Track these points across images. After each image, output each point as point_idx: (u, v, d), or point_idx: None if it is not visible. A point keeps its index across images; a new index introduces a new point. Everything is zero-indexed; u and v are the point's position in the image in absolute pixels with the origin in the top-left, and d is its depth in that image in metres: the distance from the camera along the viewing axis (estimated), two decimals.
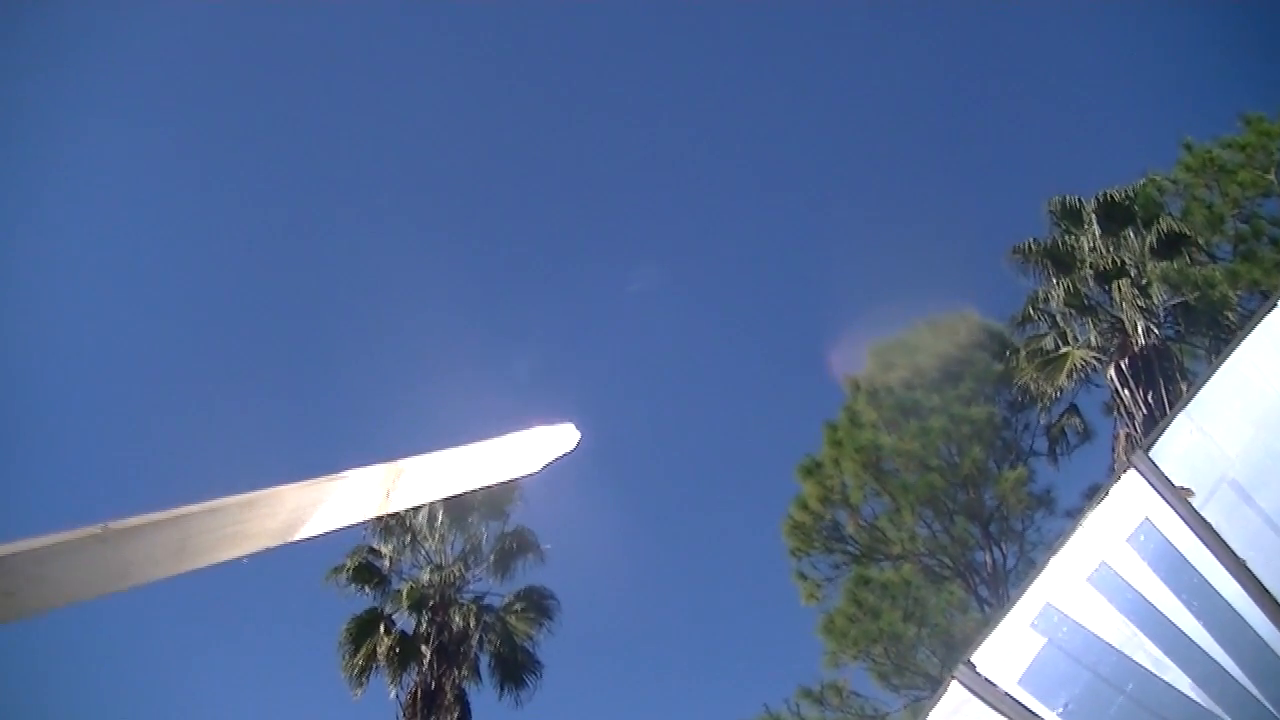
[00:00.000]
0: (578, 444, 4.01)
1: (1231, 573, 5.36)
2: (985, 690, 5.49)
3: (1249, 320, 5.76)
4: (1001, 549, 27.68)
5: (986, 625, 5.93)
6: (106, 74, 43.47)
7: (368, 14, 50.10)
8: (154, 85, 48.35)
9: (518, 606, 30.77)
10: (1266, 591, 5.34)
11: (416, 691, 29.35)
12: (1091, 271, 28.88)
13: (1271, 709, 5.29)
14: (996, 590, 26.71)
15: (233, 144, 52.04)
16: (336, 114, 53.15)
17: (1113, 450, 27.79)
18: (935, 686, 22.58)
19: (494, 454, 3.74)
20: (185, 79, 50.30)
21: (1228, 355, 5.66)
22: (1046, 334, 29.29)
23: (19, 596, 2.44)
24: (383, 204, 52.52)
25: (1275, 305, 5.62)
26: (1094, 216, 29.43)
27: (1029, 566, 26.26)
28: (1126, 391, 27.25)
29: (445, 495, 3.79)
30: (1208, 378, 5.68)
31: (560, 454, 3.97)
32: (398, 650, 29.59)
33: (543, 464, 3.95)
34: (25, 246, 44.64)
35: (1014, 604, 5.67)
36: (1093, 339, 28.53)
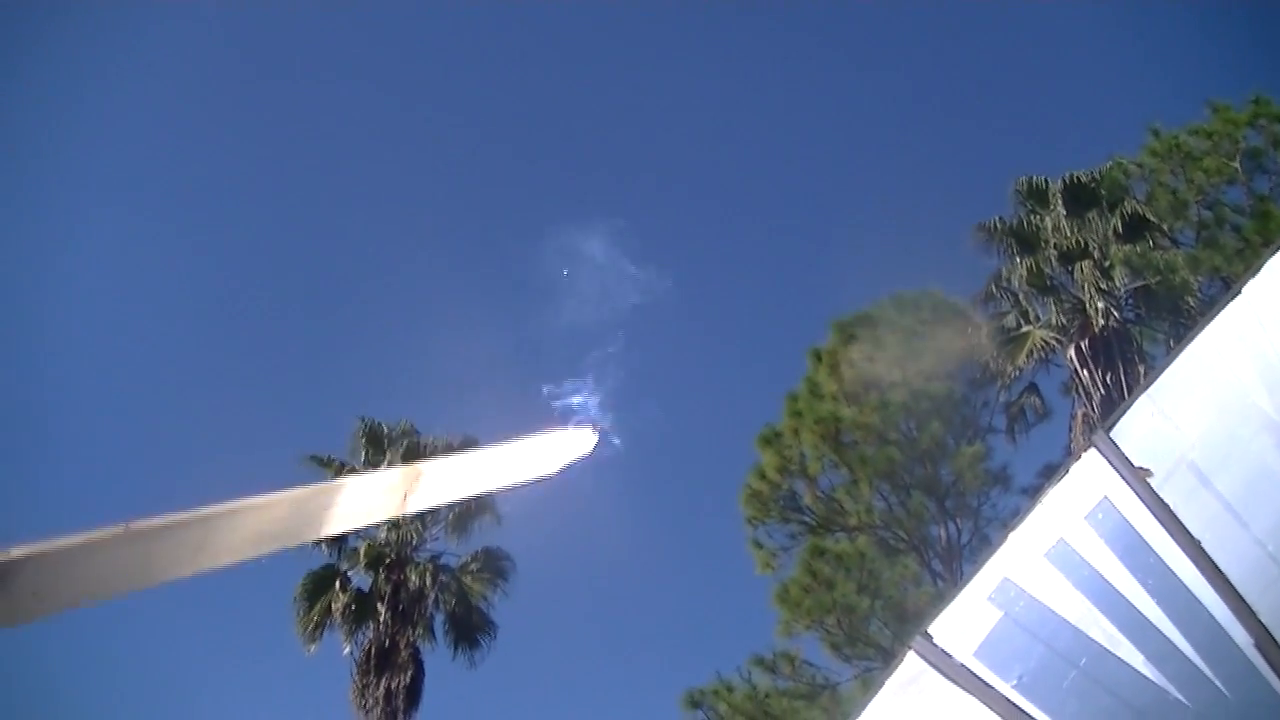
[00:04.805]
0: (596, 447, 4.01)
1: (1187, 553, 5.44)
2: (941, 661, 5.56)
3: (1213, 307, 5.83)
4: (956, 524, 27.84)
5: (943, 598, 6.00)
6: (102, 66, 43.19)
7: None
8: (152, 81, 48.10)
9: (474, 567, 30.80)
10: (1221, 573, 5.43)
11: (371, 649, 29.39)
12: (1055, 252, 29.02)
13: (1222, 688, 5.39)
14: (950, 565, 26.90)
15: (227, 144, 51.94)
16: (335, 105, 52.97)
17: (1070, 430, 28.02)
18: (887, 658, 22.76)
19: (512, 457, 3.75)
20: (180, 75, 50.07)
21: (1191, 340, 5.73)
22: (1008, 313, 29.41)
23: (45, 595, 2.48)
24: (394, 204, 52.39)
25: (1239, 293, 5.69)
26: (1059, 198, 29.53)
27: (983, 542, 26.50)
28: (1085, 372, 27.46)
29: (463, 497, 3.81)
30: (1170, 361, 5.75)
31: (578, 457, 3.97)
32: (353, 608, 29.59)
33: (560, 467, 3.94)
34: (49, 248, 44.53)
35: (972, 577, 5.74)
36: (1054, 319, 28.66)
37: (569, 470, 3.96)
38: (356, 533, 30.74)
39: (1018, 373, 28.95)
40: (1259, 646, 5.39)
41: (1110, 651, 5.46)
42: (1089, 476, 5.62)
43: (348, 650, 29.70)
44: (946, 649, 5.56)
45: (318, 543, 29.74)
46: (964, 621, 5.61)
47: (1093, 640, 5.49)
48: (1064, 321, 28.54)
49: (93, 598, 2.65)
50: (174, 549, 2.74)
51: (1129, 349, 27.52)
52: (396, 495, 3.37)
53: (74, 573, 2.52)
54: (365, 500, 3.34)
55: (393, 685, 28.90)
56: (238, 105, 52.57)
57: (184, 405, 51.05)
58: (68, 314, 48.68)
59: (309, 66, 52.93)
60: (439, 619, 30.44)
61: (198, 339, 52.40)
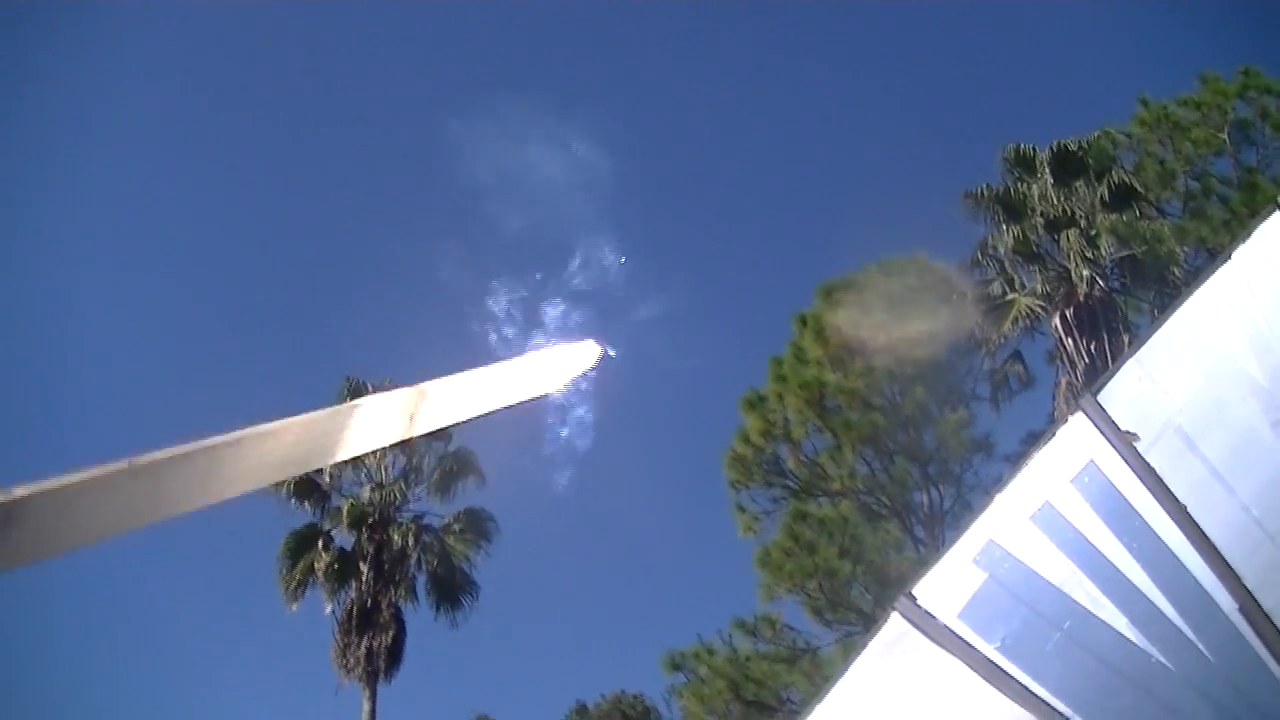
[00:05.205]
0: (600, 360, 3.96)
1: (1172, 517, 5.44)
2: (925, 622, 5.55)
3: (1202, 273, 5.82)
4: (939, 490, 27.88)
5: (927, 560, 6.00)
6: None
7: None
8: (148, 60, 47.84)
9: (456, 527, 30.84)
10: (1206, 538, 5.43)
11: (353, 609, 29.46)
12: (1041, 220, 29.07)
13: (1206, 652, 5.40)
14: (932, 531, 26.97)
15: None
16: (319, 81, 52.72)
17: (1054, 398, 28.14)
18: (868, 623, 22.81)
19: (516, 373, 3.69)
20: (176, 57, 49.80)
21: (1179, 305, 5.71)
22: (994, 280, 29.49)
23: (48, 535, 2.44)
24: (374, 166, 52.12)
25: (1228, 259, 5.67)
26: (1047, 166, 29.55)
27: (966, 509, 26.58)
28: (1070, 341, 27.54)
29: (469, 417, 3.74)
30: (1158, 326, 5.74)
31: (583, 371, 3.92)
32: (336, 567, 29.64)
33: (566, 381, 3.90)
34: (54, 212, 44.41)
35: (957, 540, 5.73)
36: (1039, 287, 28.74)
37: (573, 385, 3.93)
38: (340, 492, 30.82)
39: (1002, 340, 29.05)
40: (1243, 611, 5.40)
41: (1094, 615, 5.47)
42: (1075, 440, 5.61)
43: (330, 609, 29.79)
44: (930, 610, 5.56)
45: (300, 499, 29.86)
46: (948, 583, 5.60)
47: (1077, 603, 5.49)
48: (1049, 290, 28.63)
49: (99, 537, 2.61)
50: (181, 482, 2.70)
51: (1114, 318, 27.60)
52: (402, 417, 3.33)
53: (79, 512, 2.48)
54: (371, 425, 3.29)
55: (374, 645, 28.98)
56: (226, 84, 52.28)
57: (173, 366, 50.99)
58: (68, 273, 48.63)
59: (283, 37, 52.60)
60: (421, 579, 30.53)
61: (186, 303, 52.29)
